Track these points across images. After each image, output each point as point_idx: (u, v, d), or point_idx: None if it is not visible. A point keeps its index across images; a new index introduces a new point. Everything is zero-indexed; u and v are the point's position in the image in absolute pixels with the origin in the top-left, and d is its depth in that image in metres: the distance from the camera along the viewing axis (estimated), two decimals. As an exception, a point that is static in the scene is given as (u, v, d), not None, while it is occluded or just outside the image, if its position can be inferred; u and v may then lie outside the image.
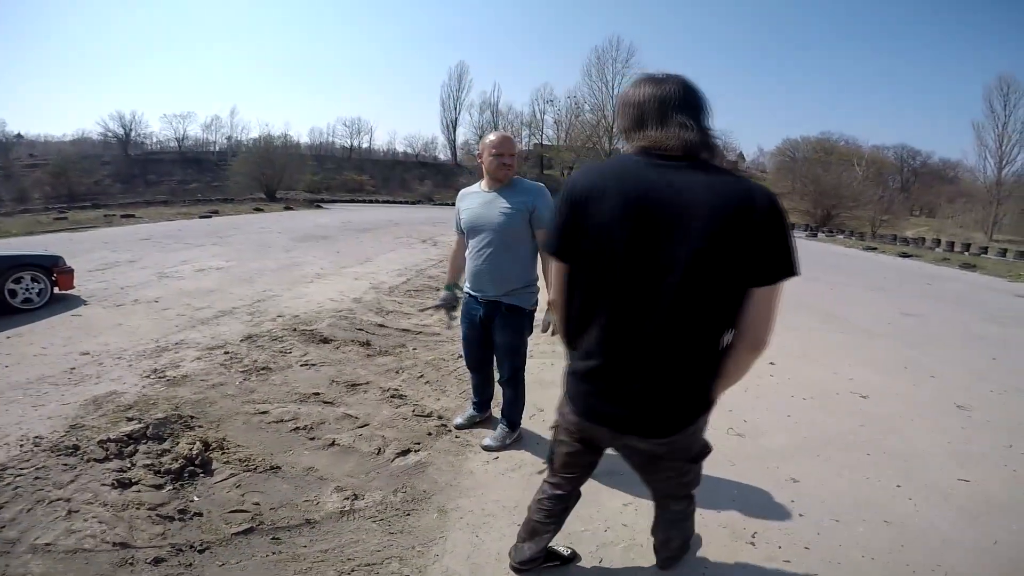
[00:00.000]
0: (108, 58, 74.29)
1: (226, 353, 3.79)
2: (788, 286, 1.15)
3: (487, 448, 2.63)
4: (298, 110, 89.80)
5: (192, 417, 2.77)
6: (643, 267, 1.17)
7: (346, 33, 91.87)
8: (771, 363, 4.14)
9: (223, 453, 2.45)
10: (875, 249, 20.26)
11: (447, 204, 30.65)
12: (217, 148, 43.21)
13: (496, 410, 2.88)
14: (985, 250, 22.02)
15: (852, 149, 45.79)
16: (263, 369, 3.51)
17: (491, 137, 2.39)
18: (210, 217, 16.50)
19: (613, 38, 47.66)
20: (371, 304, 5.41)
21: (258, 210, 19.78)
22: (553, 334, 2.42)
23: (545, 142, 45.40)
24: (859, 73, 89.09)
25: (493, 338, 2.53)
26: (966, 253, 20.95)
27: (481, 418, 2.90)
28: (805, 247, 19.09)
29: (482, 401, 2.88)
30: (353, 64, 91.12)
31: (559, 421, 1.52)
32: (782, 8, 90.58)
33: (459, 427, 2.84)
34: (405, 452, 2.58)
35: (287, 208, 21.47)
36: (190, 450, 2.40)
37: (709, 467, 1.65)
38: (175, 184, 34.49)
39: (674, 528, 1.72)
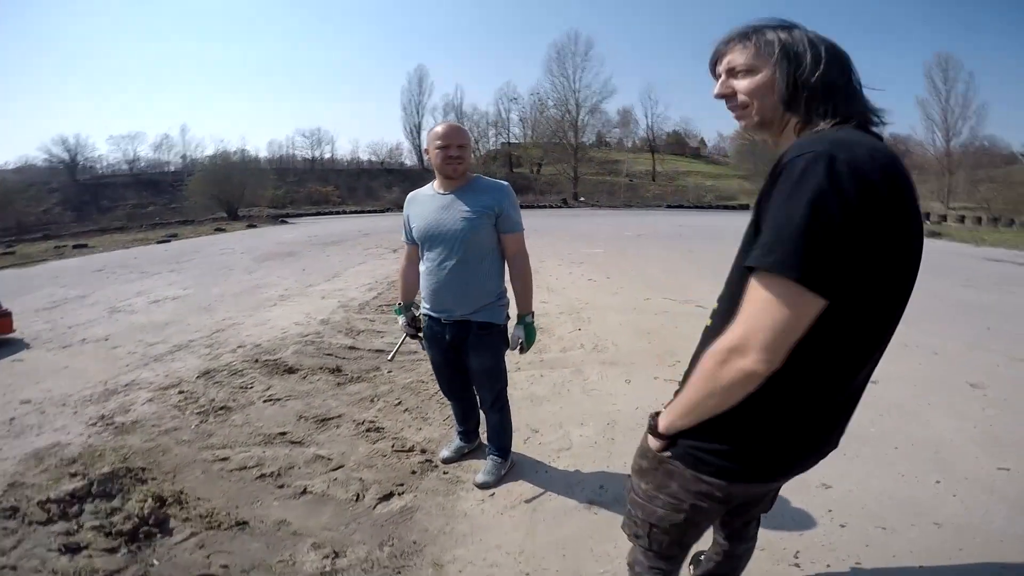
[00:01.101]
0: (45, 79, 71.21)
1: (180, 393, 3.43)
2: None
3: (482, 485, 2.33)
4: (254, 124, 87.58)
5: (143, 469, 2.47)
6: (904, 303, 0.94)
7: (299, 42, 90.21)
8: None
9: (181, 508, 2.17)
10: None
11: (416, 210, 30.25)
12: (172, 168, 41.75)
13: (485, 436, 2.59)
14: (944, 218, 22.72)
15: (808, 129, 46.81)
16: (222, 409, 3.17)
17: (436, 128, 2.08)
18: (169, 241, 15.71)
19: (571, 32, 47.67)
20: (340, 325, 5.05)
21: (220, 230, 19.01)
22: (522, 351, 2.20)
23: (512, 140, 45.31)
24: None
25: (466, 362, 2.23)
26: (928, 222, 21.56)
27: (470, 448, 2.60)
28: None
29: (468, 430, 2.58)
30: (309, 73, 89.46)
31: (708, 492, 1.03)
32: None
33: (446, 461, 2.54)
34: (388, 496, 2.28)
35: (250, 226, 20.71)
36: (142, 508, 2.14)
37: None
38: (131, 208, 33.03)
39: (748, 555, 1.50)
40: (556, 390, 3.34)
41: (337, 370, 3.76)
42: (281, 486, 2.37)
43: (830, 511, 2.11)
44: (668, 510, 1.08)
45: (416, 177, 41.35)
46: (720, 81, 0.98)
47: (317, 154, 47.42)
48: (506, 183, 2.15)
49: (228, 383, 3.59)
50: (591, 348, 4.22)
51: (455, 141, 2.03)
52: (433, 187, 2.17)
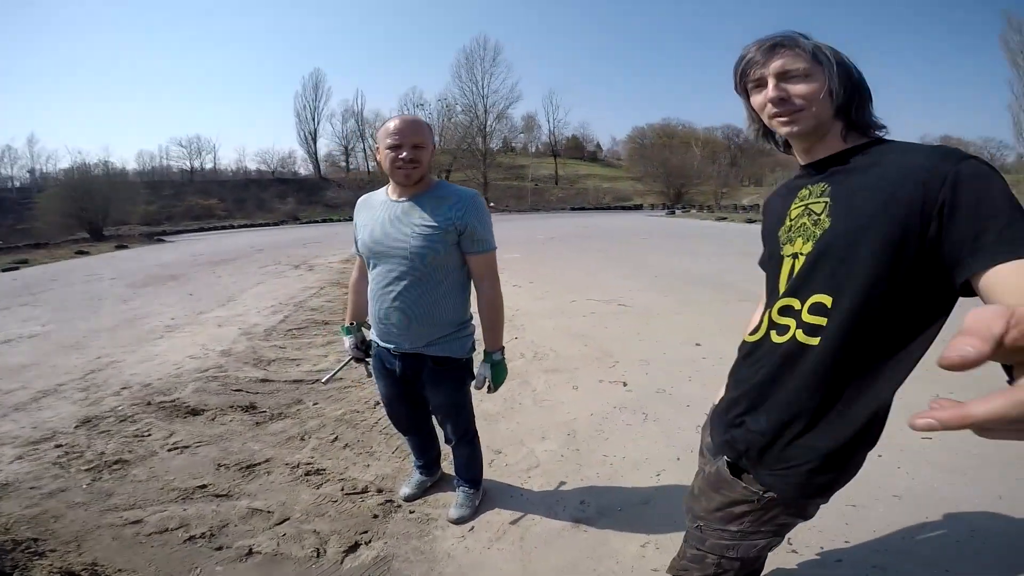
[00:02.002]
0: None
1: (58, 447, 2.84)
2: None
3: (457, 520, 2.09)
4: (118, 133, 78.08)
5: (35, 540, 2.03)
6: None
7: (171, 41, 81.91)
8: (697, 344, 4.15)
9: (102, 584, 1.73)
10: (725, 219, 22.54)
11: (315, 222, 28.67)
12: (18, 184, 36.08)
13: (447, 466, 2.36)
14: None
15: (689, 132, 51.08)
16: (117, 463, 2.64)
17: (388, 122, 1.69)
18: (17, 268, 13.39)
19: (480, 38, 47.94)
20: (245, 355, 4.47)
21: (82, 253, 16.53)
22: (491, 391, 1.85)
23: (419, 147, 44.25)
24: (689, 59, 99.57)
25: (423, 395, 1.95)
26: None
27: (433, 481, 2.32)
28: (672, 224, 20.70)
29: (428, 462, 2.30)
30: (185, 76, 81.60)
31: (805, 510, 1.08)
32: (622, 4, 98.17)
33: (409, 499, 2.24)
34: (354, 547, 1.97)
35: (120, 247, 18.32)
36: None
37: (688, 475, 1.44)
38: (-38, 233, 27.99)
39: None
40: (508, 404, 3.18)
41: (251, 407, 3.30)
42: (219, 548, 1.99)
43: None
44: (771, 537, 1.07)
45: (312, 187, 39.31)
46: (773, 84, 0.95)
47: (197, 164, 43.35)
48: (475, 192, 1.77)
49: (118, 432, 3.02)
50: (532, 356, 4.11)
51: (409, 139, 1.64)
52: (387, 193, 1.80)
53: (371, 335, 1.95)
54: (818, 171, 0.99)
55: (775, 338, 0.99)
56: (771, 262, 1.05)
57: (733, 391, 1.10)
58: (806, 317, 0.94)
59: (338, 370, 2.13)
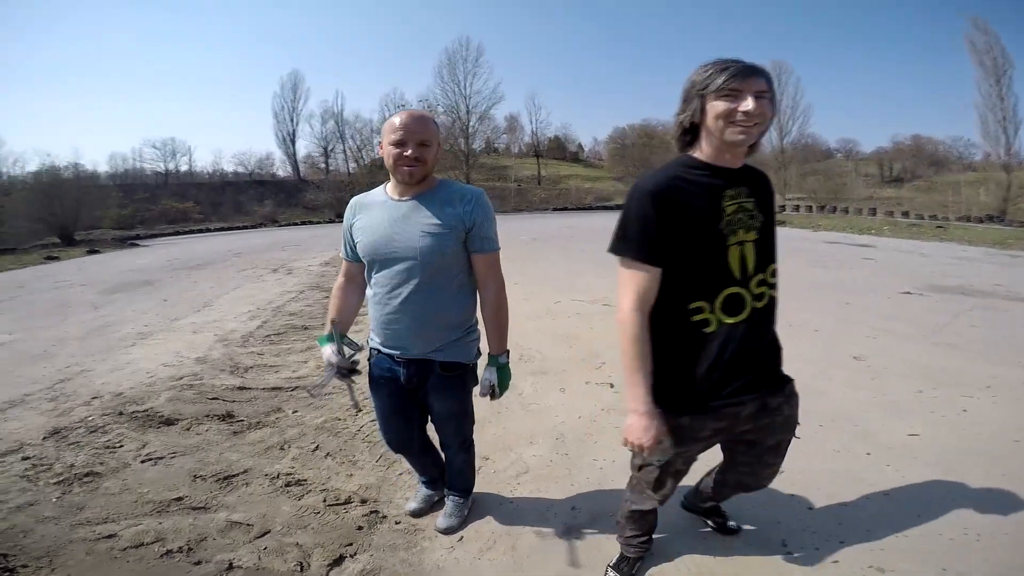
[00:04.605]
0: None
1: (25, 459, 2.74)
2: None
3: (446, 530, 2.02)
4: (88, 134, 75.64)
5: (5, 556, 1.96)
6: None
7: (144, 39, 79.92)
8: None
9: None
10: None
11: (295, 224, 28.18)
12: (-19, 188, 34.76)
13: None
14: (783, 207, 26.10)
15: (669, 132, 51.30)
16: (87, 475, 2.55)
17: (393, 117, 1.60)
18: (-21, 275, 12.95)
19: (463, 38, 47.64)
20: (222, 362, 4.33)
21: (52, 258, 16.00)
22: (495, 397, 1.76)
23: (400, 148, 43.88)
24: (669, 60, 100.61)
25: (427, 404, 1.85)
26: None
27: (440, 496, 2.19)
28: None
29: (434, 478, 2.17)
30: (158, 76, 79.71)
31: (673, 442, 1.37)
32: (604, 6, 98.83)
33: (416, 514, 2.13)
34: (339, 560, 1.90)
35: (92, 251, 17.76)
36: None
37: (688, 477, 1.61)
38: (-78, 239, 26.89)
39: None
40: (495, 409, 3.10)
41: (228, 416, 3.19)
42: (198, 563, 1.92)
43: (792, 496, 2.15)
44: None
45: (292, 189, 38.66)
46: (754, 100, 1.17)
47: (171, 167, 42.32)
48: (480, 190, 1.71)
49: (88, 443, 2.90)
50: (518, 358, 4.05)
51: (415, 136, 1.56)
52: (386, 191, 1.72)
53: (370, 345, 1.85)
54: (735, 177, 1.29)
55: (758, 305, 1.33)
56: (711, 248, 1.27)
57: (736, 358, 1.31)
58: (770, 279, 1.36)
59: (320, 383, 1.87)
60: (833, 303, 5.63)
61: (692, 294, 1.27)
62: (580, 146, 61.56)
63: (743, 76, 1.17)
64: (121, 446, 2.86)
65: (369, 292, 1.76)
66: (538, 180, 46.86)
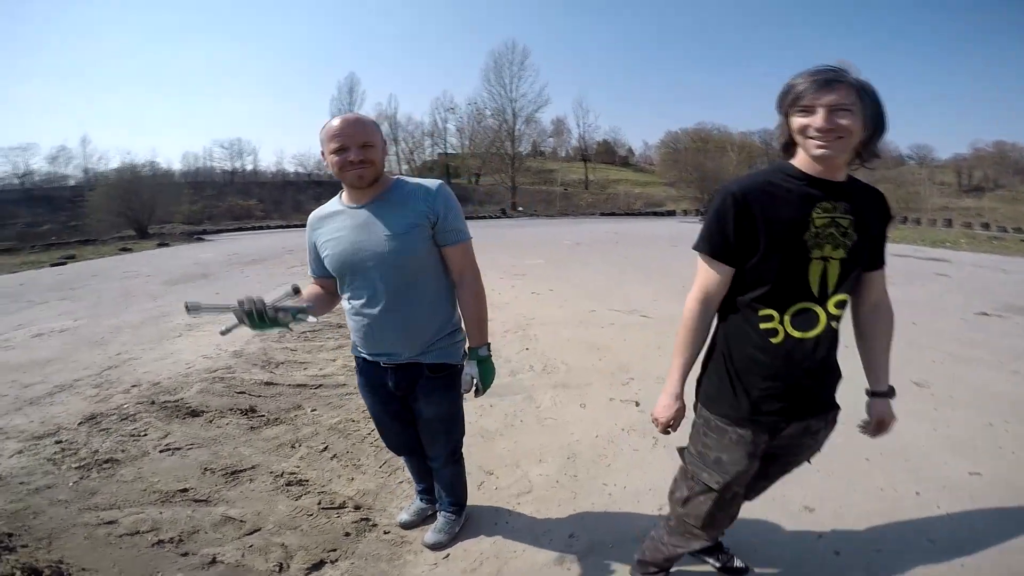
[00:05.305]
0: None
1: (58, 443, 2.88)
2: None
3: (433, 546, 1.95)
4: (165, 135, 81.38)
5: (9, 535, 2.03)
6: None
7: (216, 47, 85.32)
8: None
9: (62, 582, 1.71)
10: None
11: (348, 223, 29.08)
12: (72, 182, 37.97)
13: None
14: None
15: (724, 136, 49.82)
16: (107, 461, 2.65)
17: (331, 124, 1.52)
18: (64, 264, 14.04)
19: (509, 41, 48.12)
20: (256, 356, 4.45)
21: (125, 250, 17.25)
22: (478, 393, 1.68)
23: (449, 151, 44.96)
24: (723, 63, 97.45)
25: (415, 409, 1.79)
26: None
27: (434, 510, 2.13)
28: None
29: (430, 487, 2.12)
30: (227, 81, 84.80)
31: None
32: (655, 6, 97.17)
33: (406, 526, 2.09)
34: (318, 565, 1.88)
35: (162, 244, 19.01)
36: (13, 582, 1.69)
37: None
38: (22, 227, 29.56)
39: None
40: (508, 421, 3.02)
41: (251, 411, 3.25)
42: (185, 554, 1.97)
43: (820, 537, 1.94)
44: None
45: (347, 189, 40.13)
46: (824, 115, 1.12)
47: (237, 166, 44.83)
48: (439, 181, 1.64)
49: (116, 430, 3.03)
50: (541, 369, 3.93)
51: (354, 140, 1.49)
52: (341, 200, 1.65)
53: (353, 353, 1.81)
54: (835, 191, 1.21)
55: (833, 324, 1.28)
56: (790, 258, 1.21)
57: (798, 375, 1.28)
58: (835, 311, 1.27)
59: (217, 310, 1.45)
60: (898, 322, 5.09)
61: (764, 300, 1.25)
62: (630, 150, 60.58)
63: (814, 90, 1.12)
64: (145, 435, 2.96)
65: (346, 306, 1.70)
66: (585, 184, 46.35)
